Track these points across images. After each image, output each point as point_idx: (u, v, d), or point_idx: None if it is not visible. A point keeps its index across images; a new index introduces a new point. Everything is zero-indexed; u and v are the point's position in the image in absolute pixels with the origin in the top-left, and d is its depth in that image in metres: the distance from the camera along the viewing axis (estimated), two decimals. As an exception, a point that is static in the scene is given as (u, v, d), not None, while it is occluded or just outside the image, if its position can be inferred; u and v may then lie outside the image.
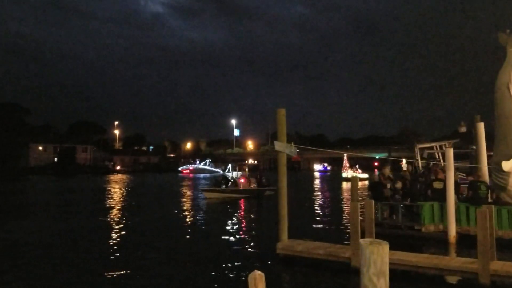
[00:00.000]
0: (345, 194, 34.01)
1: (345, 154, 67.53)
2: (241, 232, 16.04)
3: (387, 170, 16.07)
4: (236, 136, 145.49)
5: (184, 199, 29.99)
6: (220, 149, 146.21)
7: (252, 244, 13.69)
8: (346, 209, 22.60)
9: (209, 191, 30.63)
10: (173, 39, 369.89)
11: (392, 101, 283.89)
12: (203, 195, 30.50)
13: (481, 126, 15.60)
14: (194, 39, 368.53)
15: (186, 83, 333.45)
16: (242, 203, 26.58)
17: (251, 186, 31.84)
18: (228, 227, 17.27)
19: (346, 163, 64.40)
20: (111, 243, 13.79)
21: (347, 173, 59.16)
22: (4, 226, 17.76)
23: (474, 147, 17.08)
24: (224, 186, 31.08)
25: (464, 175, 18.94)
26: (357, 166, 65.88)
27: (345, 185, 46.02)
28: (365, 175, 56.58)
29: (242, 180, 32.06)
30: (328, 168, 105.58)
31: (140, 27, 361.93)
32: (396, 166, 32.02)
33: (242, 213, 22.16)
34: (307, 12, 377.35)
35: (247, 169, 53.04)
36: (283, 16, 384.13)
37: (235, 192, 30.58)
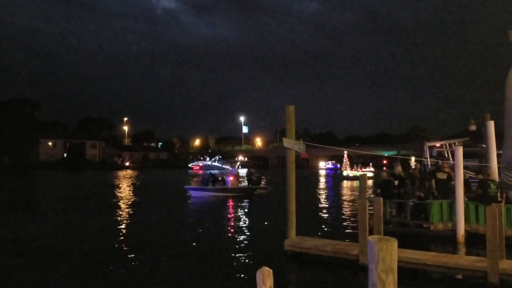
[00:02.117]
0: (346, 192, 33.83)
1: (345, 152, 63.67)
2: (246, 230, 16.07)
3: (399, 169, 15.90)
4: (244, 133, 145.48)
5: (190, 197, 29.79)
6: (229, 146, 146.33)
7: (259, 241, 13.73)
8: (352, 207, 22.56)
9: (195, 189, 28.95)
10: (184, 35, 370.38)
11: (402, 99, 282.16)
12: (193, 193, 28.38)
13: (491, 124, 15.47)
14: (206, 35, 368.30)
15: (196, 80, 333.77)
16: (230, 202, 25.46)
17: (241, 184, 30.23)
18: (232, 225, 17.28)
19: (346, 161, 61.11)
20: (116, 242, 13.83)
21: (347, 171, 56.33)
22: (13, 222, 17.93)
23: (484, 145, 16.97)
24: (211, 185, 29.15)
25: (474, 174, 18.82)
26: (371, 164, 64.01)
27: (345, 184, 44.64)
28: (370, 174, 53.98)
29: (231, 178, 30.26)
30: (338, 165, 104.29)
31: (152, 23, 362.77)
32: (405, 164, 31.84)
33: (243, 211, 22.07)
34: (320, 8, 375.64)
35: (237, 166, 50.66)
36: (296, 12, 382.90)
37: (223, 191, 28.79)
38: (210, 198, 27.14)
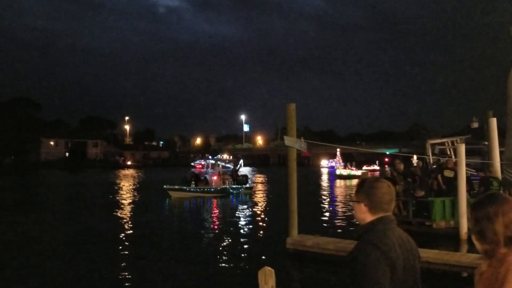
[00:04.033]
0: (345, 191, 33.60)
1: (338, 150, 60.09)
2: (247, 229, 16.08)
3: (401, 166, 15.76)
4: (245, 131, 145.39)
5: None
6: (230, 144, 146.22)
7: (260, 239, 13.72)
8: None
9: (175, 190, 27.18)
10: (187, 33, 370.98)
11: (403, 96, 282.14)
12: (173, 194, 26.82)
13: (493, 122, 15.38)
14: (208, 33, 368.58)
15: (197, 78, 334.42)
16: (215, 203, 24.66)
17: (225, 184, 29.06)
18: (232, 224, 17.18)
19: (339, 159, 56.51)
20: (117, 243, 13.78)
21: (340, 170, 53.06)
22: (15, 222, 17.94)
23: (486, 143, 16.91)
24: (194, 184, 27.72)
25: (474, 171, 18.76)
26: (377, 162, 62.34)
27: (339, 183, 43.61)
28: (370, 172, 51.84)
29: (215, 178, 29.51)
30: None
31: (154, 21, 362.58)
32: (407, 162, 31.69)
33: (242, 210, 21.95)
34: (324, 5, 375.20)
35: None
36: (300, 9, 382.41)
37: (206, 191, 27.70)
38: (191, 199, 26.17)
